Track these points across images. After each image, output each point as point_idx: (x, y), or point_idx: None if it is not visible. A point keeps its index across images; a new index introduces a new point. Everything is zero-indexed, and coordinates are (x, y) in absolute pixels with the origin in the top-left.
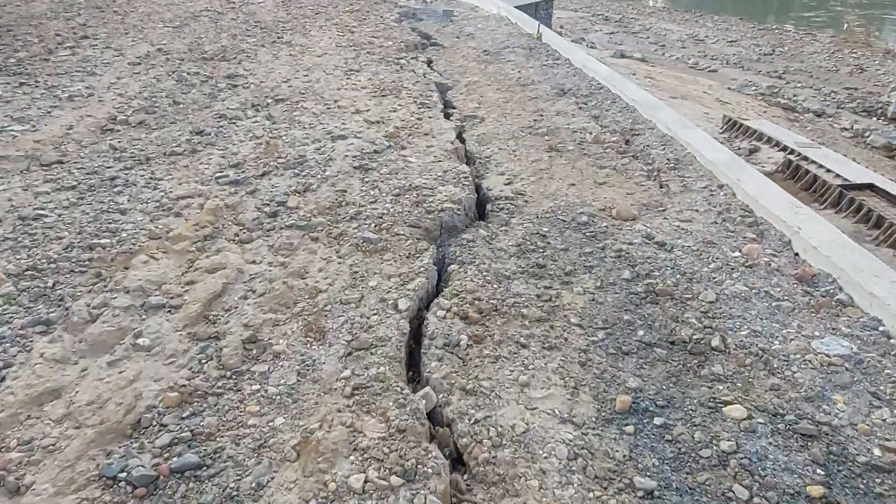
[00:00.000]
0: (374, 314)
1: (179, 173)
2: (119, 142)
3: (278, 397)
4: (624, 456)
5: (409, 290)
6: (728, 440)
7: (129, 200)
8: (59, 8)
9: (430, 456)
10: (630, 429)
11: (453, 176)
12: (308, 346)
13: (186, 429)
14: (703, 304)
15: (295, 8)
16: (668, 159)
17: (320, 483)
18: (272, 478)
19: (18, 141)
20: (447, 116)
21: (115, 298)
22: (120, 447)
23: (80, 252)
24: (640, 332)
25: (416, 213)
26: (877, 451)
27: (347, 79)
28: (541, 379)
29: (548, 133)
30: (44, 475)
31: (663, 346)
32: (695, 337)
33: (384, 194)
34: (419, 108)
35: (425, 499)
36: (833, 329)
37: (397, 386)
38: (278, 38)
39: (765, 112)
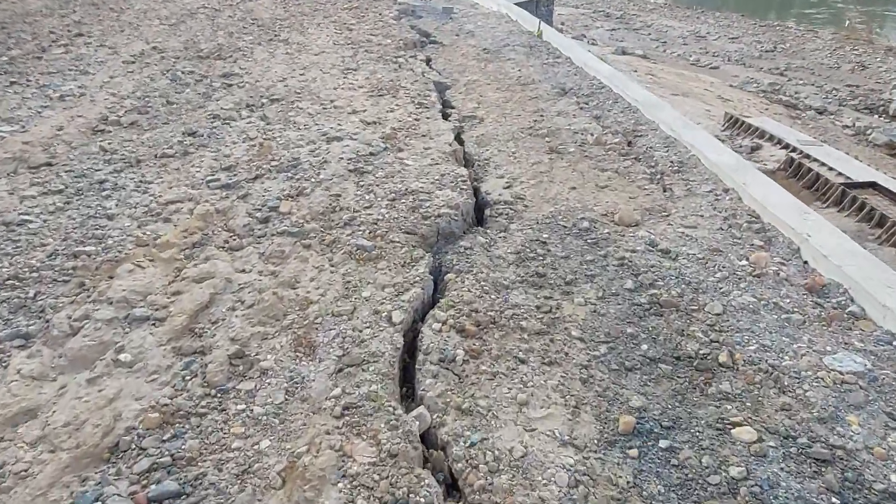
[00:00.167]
0: (367, 327)
1: (170, 176)
2: (110, 143)
3: (264, 418)
4: (628, 482)
5: (403, 301)
6: (738, 465)
7: (117, 205)
8: (54, 5)
9: (422, 484)
10: (634, 452)
11: (451, 180)
12: (297, 361)
13: (167, 453)
14: (710, 316)
15: (293, 5)
16: (672, 162)
17: None
18: None
19: (6, 142)
20: (445, 117)
21: (97, 310)
22: (96, 473)
23: (65, 260)
24: (644, 347)
25: (412, 219)
26: (894, 478)
27: (344, 78)
28: (540, 397)
29: (548, 134)
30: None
31: (668, 362)
32: (701, 352)
33: (379, 199)
34: (417, 108)
35: None
36: (846, 344)
37: (389, 405)
38: (275, 35)
39: (766, 109)
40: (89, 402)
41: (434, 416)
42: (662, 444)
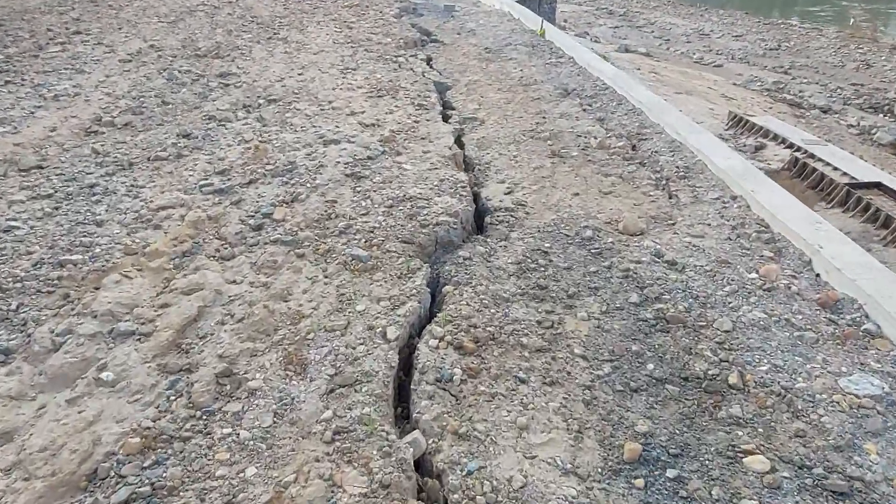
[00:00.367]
0: (361, 344)
1: (162, 180)
2: (102, 145)
3: (251, 443)
4: None
5: (399, 315)
6: (750, 499)
7: (107, 210)
8: (53, 2)
9: None
10: (640, 482)
11: (450, 185)
12: (287, 380)
13: (147, 481)
14: (719, 333)
15: (293, 2)
16: (678, 167)
17: None
18: None
19: None
20: (446, 119)
21: (81, 324)
22: (73, 503)
23: (50, 269)
24: (650, 366)
25: (409, 227)
26: None
27: (343, 78)
28: (541, 421)
29: (550, 137)
30: None
31: (675, 383)
32: (710, 372)
33: (376, 206)
34: (417, 109)
35: None
36: (861, 364)
37: (383, 430)
38: (274, 33)
39: (770, 108)
40: (68, 424)
41: (429, 442)
42: (670, 473)
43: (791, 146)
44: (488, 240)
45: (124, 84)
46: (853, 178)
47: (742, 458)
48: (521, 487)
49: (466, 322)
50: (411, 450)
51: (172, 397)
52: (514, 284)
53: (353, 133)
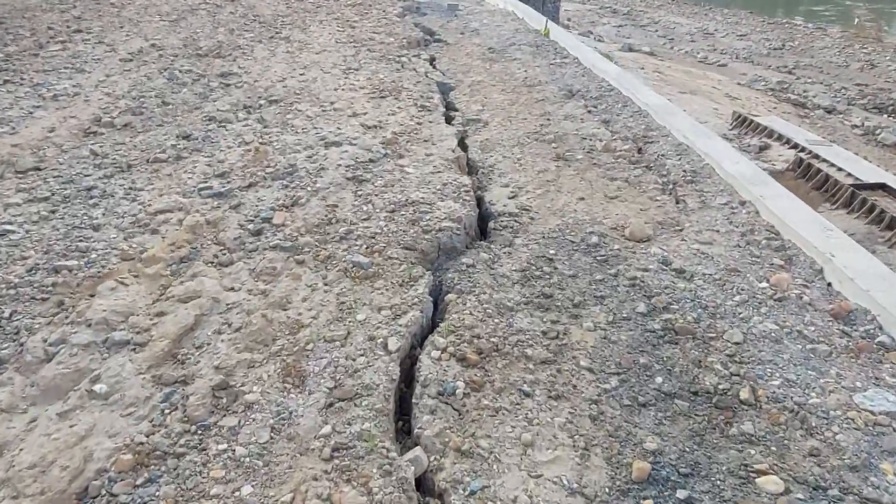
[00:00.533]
0: (361, 355)
1: (161, 183)
2: (101, 146)
3: (247, 459)
4: None
5: (400, 325)
6: None
7: (104, 214)
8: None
9: None
10: (649, 503)
11: (453, 189)
12: (285, 393)
13: (139, 500)
14: (729, 345)
15: (295, 1)
16: (685, 171)
17: None
18: None
19: None
20: (449, 120)
21: (75, 333)
22: None
23: (45, 275)
24: (659, 380)
25: (411, 232)
26: None
27: (345, 78)
28: (546, 437)
29: (555, 140)
30: None
31: (685, 398)
32: (721, 387)
33: (378, 210)
34: (419, 111)
35: None
36: (876, 379)
37: (383, 447)
38: (276, 33)
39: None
40: (59, 439)
41: (431, 459)
42: (680, 494)
43: (795, 146)
44: (492, 246)
45: (124, 84)
46: (858, 179)
47: (755, 478)
48: None
49: (469, 332)
50: (412, 468)
51: (167, 411)
52: (519, 293)
53: (354, 135)
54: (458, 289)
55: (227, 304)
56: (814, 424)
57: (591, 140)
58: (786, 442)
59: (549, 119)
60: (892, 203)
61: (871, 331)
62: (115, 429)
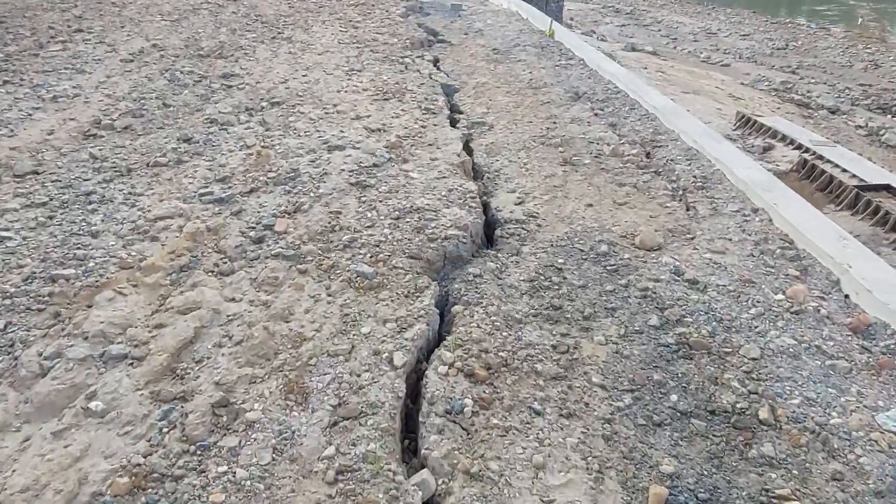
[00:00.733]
0: (366, 370)
1: (161, 188)
2: (101, 150)
3: (248, 482)
4: None
5: (406, 339)
6: None
7: (102, 220)
8: None
9: None
10: None
11: (459, 196)
12: (287, 411)
13: None
14: (746, 361)
15: (298, 1)
16: (695, 176)
17: None
18: None
19: None
20: (453, 123)
21: (71, 346)
22: None
23: (41, 285)
24: (674, 397)
25: (416, 241)
26: None
27: (348, 79)
28: (559, 459)
29: (562, 143)
30: None
31: (702, 417)
32: (738, 406)
33: (382, 217)
34: (424, 113)
35: None
36: None
37: (389, 469)
38: (279, 33)
39: (778, 108)
40: (53, 460)
41: (439, 482)
42: None
43: (799, 147)
44: (499, 255)
45: (125, 85)
46: (862, 180)
47: None
48: None
49: (477, 346)
50: (420, 493)
51: (165, 429)
52: (527, 304)
53: (358, 138)
54: (465, 300)
55: (228, 316)
56: (836, 446)
57: (598, 144)
58: (808, 465)
59: (555, 122)
60: None
61: (892, 346)
62: (111, 449)
